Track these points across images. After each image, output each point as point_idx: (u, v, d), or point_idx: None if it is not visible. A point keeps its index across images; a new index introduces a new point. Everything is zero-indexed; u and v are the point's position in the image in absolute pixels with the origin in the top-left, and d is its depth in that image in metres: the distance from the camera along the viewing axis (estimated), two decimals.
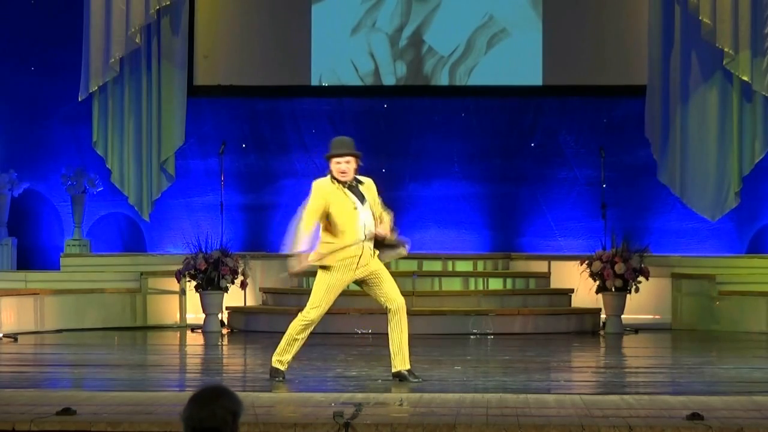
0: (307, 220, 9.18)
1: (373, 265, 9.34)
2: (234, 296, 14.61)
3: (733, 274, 14.75)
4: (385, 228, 9.34)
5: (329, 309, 9.43)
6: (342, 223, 9.16)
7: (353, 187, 9.29)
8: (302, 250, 9.17)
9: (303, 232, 9.18)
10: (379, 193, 9.43)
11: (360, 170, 9.42)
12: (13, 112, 16.14)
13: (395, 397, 7.94)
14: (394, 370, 9.28)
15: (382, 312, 14.27)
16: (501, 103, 16.07)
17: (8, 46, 16.07)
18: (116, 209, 16.06)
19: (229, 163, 15.78)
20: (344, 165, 9.29)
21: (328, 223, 9.22)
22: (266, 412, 7.40)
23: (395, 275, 15.02)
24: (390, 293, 9.40)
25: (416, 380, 9.21)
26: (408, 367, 9.28)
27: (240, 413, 4.29)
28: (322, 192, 9.24)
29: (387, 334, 9.34)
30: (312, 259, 9.21)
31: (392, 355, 9.27)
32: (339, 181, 9.25)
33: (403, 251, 9.55)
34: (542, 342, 13.13)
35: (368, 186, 9.38)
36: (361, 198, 9.26)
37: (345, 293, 14.49)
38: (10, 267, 15.54)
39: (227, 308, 14.64)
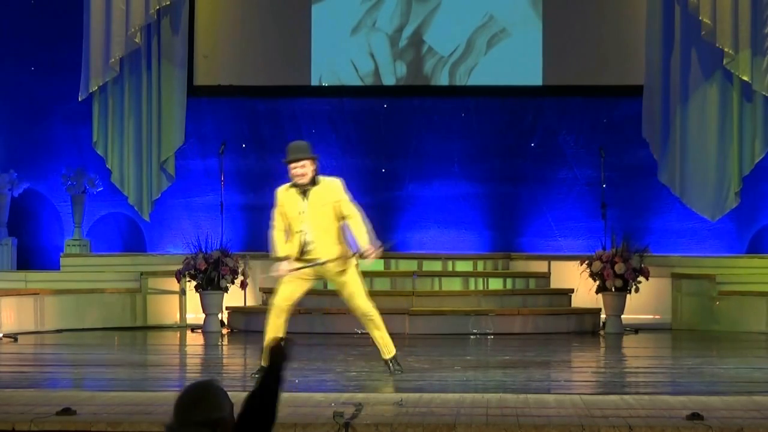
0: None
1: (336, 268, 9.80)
2: (234, 296, 14.61)
3: (733, 274, 14.75)
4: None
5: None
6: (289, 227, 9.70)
7: (306, 191, 9.66)
8: (280, 256, 9.64)
9: (275, 239, 9.70)
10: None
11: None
12: (13, 112, 16.14)
13: (395, 397, 7.94)
14: None
15: (382, 312, 14.33)
16: (501, 103, 16.07)
17: (8, 46, 16.07)
18: (116, 209, 16.06)
19: (229, 163, 15.78)
20: (300, 170, 9.66)
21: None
22: None
23: (395, 275, 15.11)
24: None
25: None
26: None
27: (224, 416, 4.14)
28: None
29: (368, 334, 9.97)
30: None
31: None
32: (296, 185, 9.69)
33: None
34: (542, 342, 13.13)
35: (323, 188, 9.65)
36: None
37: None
38: (10, 267, 15.54)
39: (227, 308, 14.64)
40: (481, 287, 14.95)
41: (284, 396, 8.28)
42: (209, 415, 4.09)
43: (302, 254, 9.68)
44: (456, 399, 8.02)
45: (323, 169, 15.96)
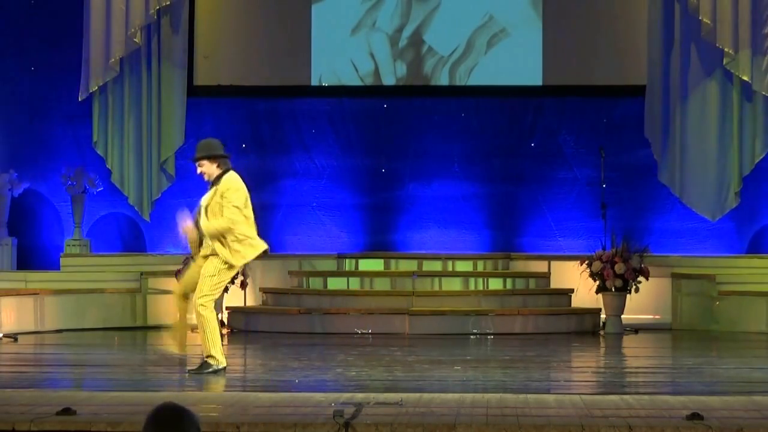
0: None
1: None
2: (234, 296, 14.60)
3: (732, 274, 14.74)
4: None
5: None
6: None
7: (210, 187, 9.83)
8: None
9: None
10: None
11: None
12: (13, 112, 16.13)
13: (395, 397, 7.94)
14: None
15: (382, 312, 14.32)
16: (501, 103, 16.07)
17: (8, 46, 16.06)
18: (116, 209, 16.06)
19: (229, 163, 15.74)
20: (199, 169, 9.85)
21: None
22: (266, 412, 7.41)
23: (395, 275, 15.13)
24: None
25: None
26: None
27: None
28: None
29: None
30: None
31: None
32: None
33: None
34: (542, 342, 13.13)
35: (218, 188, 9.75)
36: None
37: (344, 293, 14.60)
38: (10, 267, 15.54)
39: (227, 308, 14.63)
40: (481, 287, 14.94)
41: (284, 396, 8.30)
42: (193, 428, 4.16)
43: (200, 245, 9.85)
44: (456, 399, 8.02)
45: (323, 169, 16.09)
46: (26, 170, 15.96)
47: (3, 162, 15.97)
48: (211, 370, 9.62)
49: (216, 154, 9.79)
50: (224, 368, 9.68)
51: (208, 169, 9.78)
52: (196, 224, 9.76)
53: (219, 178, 9.77)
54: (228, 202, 9.65)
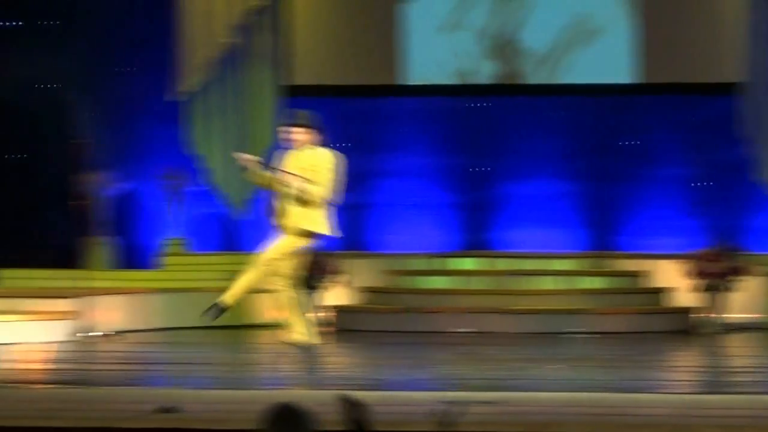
0: None
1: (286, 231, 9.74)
2: (335, 295, 14.70)
3: None
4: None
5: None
6: None
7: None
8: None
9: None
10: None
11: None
12: (114, 112, 16.37)
13: (493, 396, 7.98)
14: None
15: (479, 311, 14.28)
16: (593, 102, 16.01)
17: (107, 48, 16.30)
18: (215, 208, 16.23)
19: None
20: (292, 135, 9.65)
21: None
22: None
23: (492, 274, 15.11)
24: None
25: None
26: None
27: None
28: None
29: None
30: None
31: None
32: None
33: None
34: (638, 341, 13.07)
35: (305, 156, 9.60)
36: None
37: (441, 292, 14.64)
38: (111, 266, 15.77)
39: (328, 307, 14.72)
40: (577, 286, 14.90)
41: (380, 394, 8.37)
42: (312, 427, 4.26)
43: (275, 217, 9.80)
44: (552, 398, 8.03)
45: (414, 168, 16.12)
46: (127, 170, 16.20)
47: (105, 162, 16.22)
48: (221, 311, 9.74)
49: (316, 126, 9.72)
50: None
51: (301, 137, 9.67)
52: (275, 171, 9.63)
53: (307, 148, 9.65)
54: (322, 175, 9.59)
